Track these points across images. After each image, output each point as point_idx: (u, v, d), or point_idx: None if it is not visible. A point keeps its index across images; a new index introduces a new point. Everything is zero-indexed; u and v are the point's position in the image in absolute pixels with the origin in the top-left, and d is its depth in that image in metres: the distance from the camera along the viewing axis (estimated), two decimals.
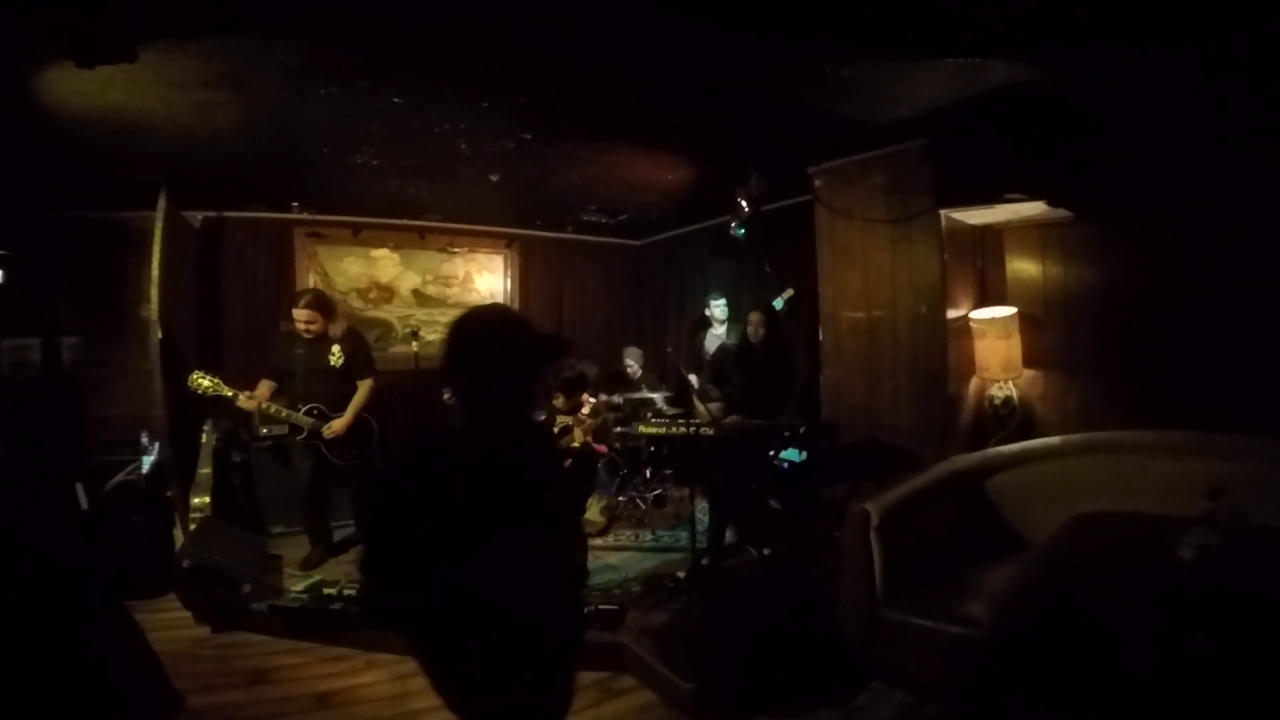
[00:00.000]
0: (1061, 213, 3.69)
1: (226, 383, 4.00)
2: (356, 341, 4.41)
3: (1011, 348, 3.91)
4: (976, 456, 3.46)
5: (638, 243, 7.39)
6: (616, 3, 2.44)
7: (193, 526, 4.22)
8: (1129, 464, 2.93)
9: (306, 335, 4.13)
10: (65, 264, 4.23)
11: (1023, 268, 4.06)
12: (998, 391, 4.03)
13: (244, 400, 4.02)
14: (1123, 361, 3.55)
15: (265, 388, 4.13)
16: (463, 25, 2.60)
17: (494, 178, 4.79)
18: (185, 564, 3.64)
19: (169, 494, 4.17)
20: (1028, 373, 3.96)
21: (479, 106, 3.45)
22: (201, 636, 3.47)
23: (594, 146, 4.21)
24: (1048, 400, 3.91)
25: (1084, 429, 3.38)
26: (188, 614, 3.62)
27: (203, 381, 3.95)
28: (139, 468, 4.08)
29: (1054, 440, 3.36)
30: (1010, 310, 3.94)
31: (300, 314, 4.08)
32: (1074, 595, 2.04)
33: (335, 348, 4.24)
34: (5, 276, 3.93)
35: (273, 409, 4.10)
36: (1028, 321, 3.95)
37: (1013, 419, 3.95)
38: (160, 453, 4.18)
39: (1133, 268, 3.51)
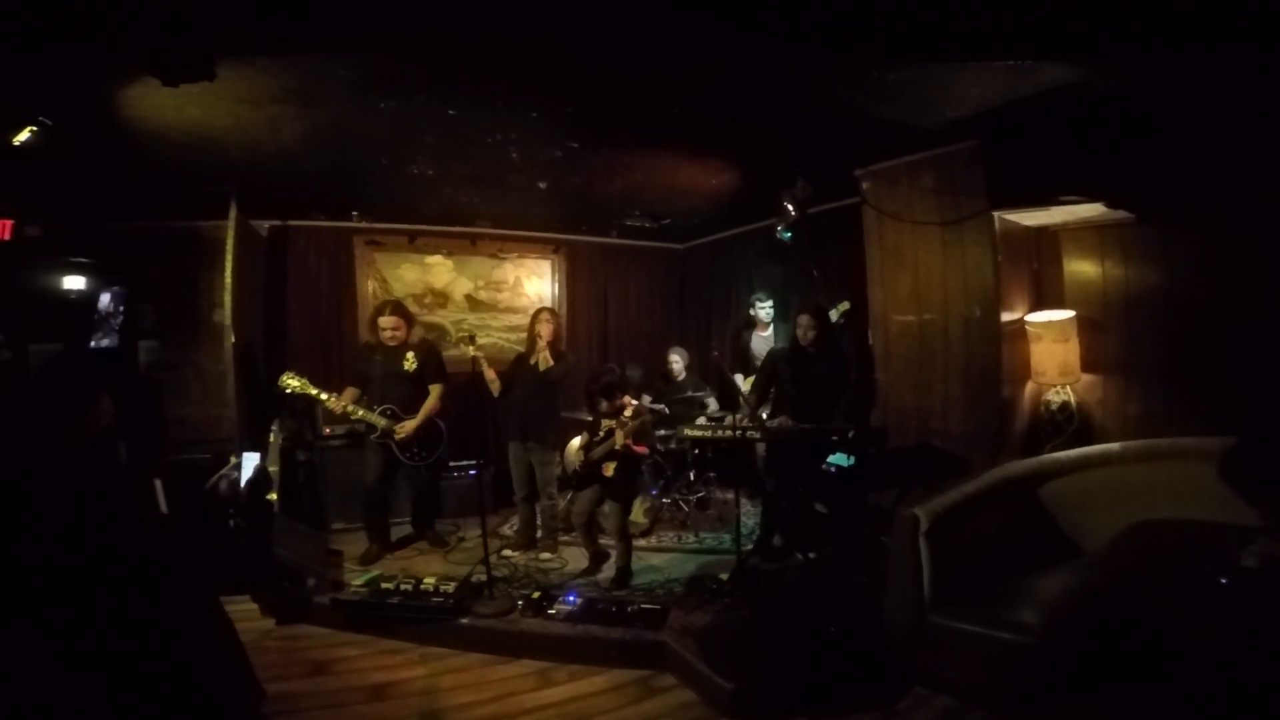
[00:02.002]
0: (1121, 214, 3.58)
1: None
2: (429, 349, 4.72)
3: (1069, 351, 3.80)
4: (1032, 462, 3.38)
5: (681, 246, 7.43)
6: (663, 15, 2.49)
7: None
8: (1192, 471, 2.82)
9: (391, 342, 4.48)
10: (144, 271, 4.48)
11: (1081, 270, 3.95)
12: (1054, 396, 3.92)
13: (329, 402, 4.37)
14: (1187, 366, 3.43)
15: (350, 393, 4.48)
16: (514, 39, 2.69)
17: (542, 185, 4.90)
18: None
19: (269, 497, 4.43)
20: (1086, 377, 3.85)
21: (529, 116, 3.54)
22: (267, 628, 3.63)
23: (639, 153, 4.28)
24: (1107, 406, 3.79)
25: (1145, 435, 3.27)
26: (254, 606, 3.78)
27: (292, 381, 4.31)
28: (238, 467, 4.33)
29: (1114, 446, 3.26)
30: (1068, 313, 3.84)
31: (386, 320, 4.46)
32: (1131, 603, 1.99)
33: (410, 354, 4.54)
34: (89, 283, 4.18)
35: (350, 407, 4.40)
36: (1086, 325, 3.84)
37: (1070, 424, 3.84)
38: (261, 459, 4.46)
39: (1198, 269, 3.38)
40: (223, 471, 4.27)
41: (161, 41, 2.44)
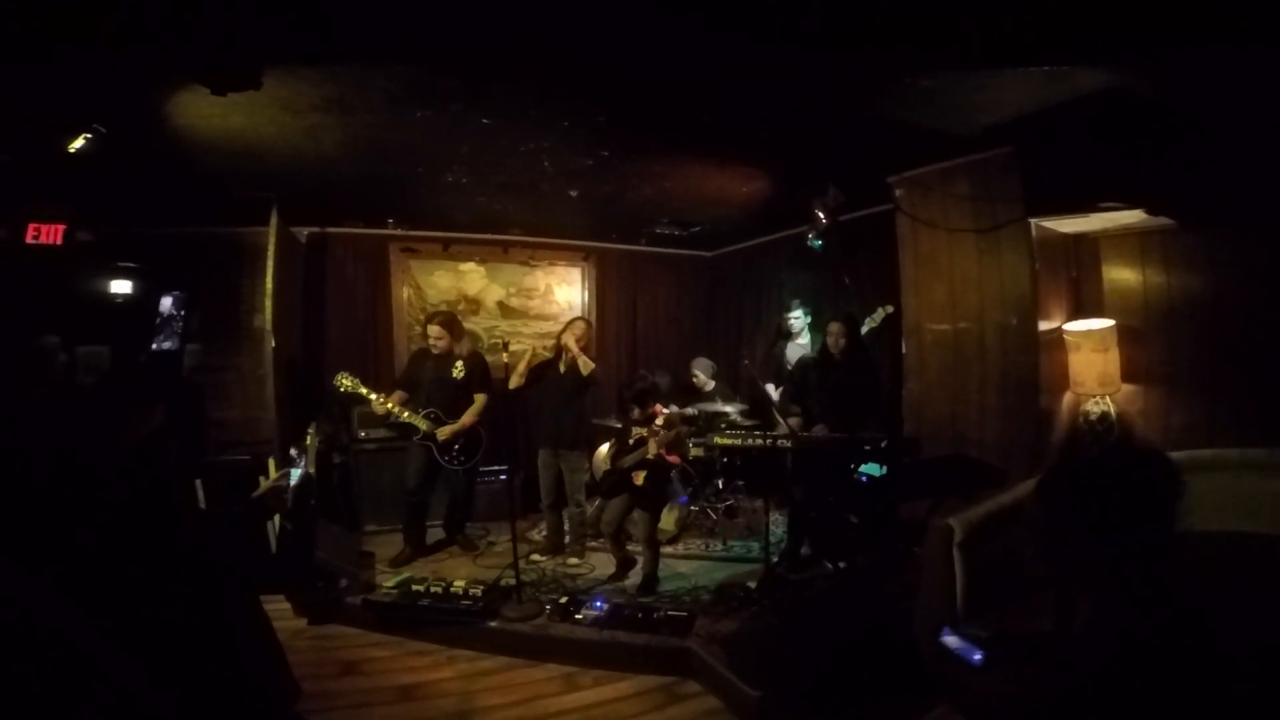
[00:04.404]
0: (1163, 220, 3.49)
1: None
2: (478, 360, 4.88)
3: (1109, 361, 3.71)
4: None
5: (710, 254, 7.42)
6: (692, 26, 2.51)
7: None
8: (1238, 483, 2.73)
9: (435, 350, 4.64)
10: (188, 275, 4.60)
11: (1121, 277, 3.85)
12: (1094, 407, 3.82)
13: (376, 403, 4.56)
14: (1232, 376, 3.32)
15: (398, 396, 4.66)
16: (547, 51, 2.74)
17: (573, 193, 4.96)
18: None
19: (312, 502, 4.54)
20: (1127, 387, 3.75)
21: (561, 126, 3.59)
22: (299, 628, 3.72)
23: (669, 161, 4.30)
24: (1148, 416, 3.68)
25: (1188, 447, 3.16)
26: (287, 606, 3.87)
27: (345, 381, 4.55)
28: (288, 476, 4.45)
29: None
30: (1107, 322, 3.75)
31: (432, 329, 4.65)
32: (1172, 617, 1.92)
33: (459, 363, 4.72)
34: (135, 288, 4.32)
35: (396, 409, 4.58)
36: (1127, 334, 3.74)
37: (1110, 436, 3.74)
38: (306, 465, 4.59)
39: (1242, 277, 3.27)
40: (276, 477, 4.38)
41: (213, 53, 2.53)
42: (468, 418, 4.65)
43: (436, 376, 4.68)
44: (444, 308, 6.38)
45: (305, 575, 3.90)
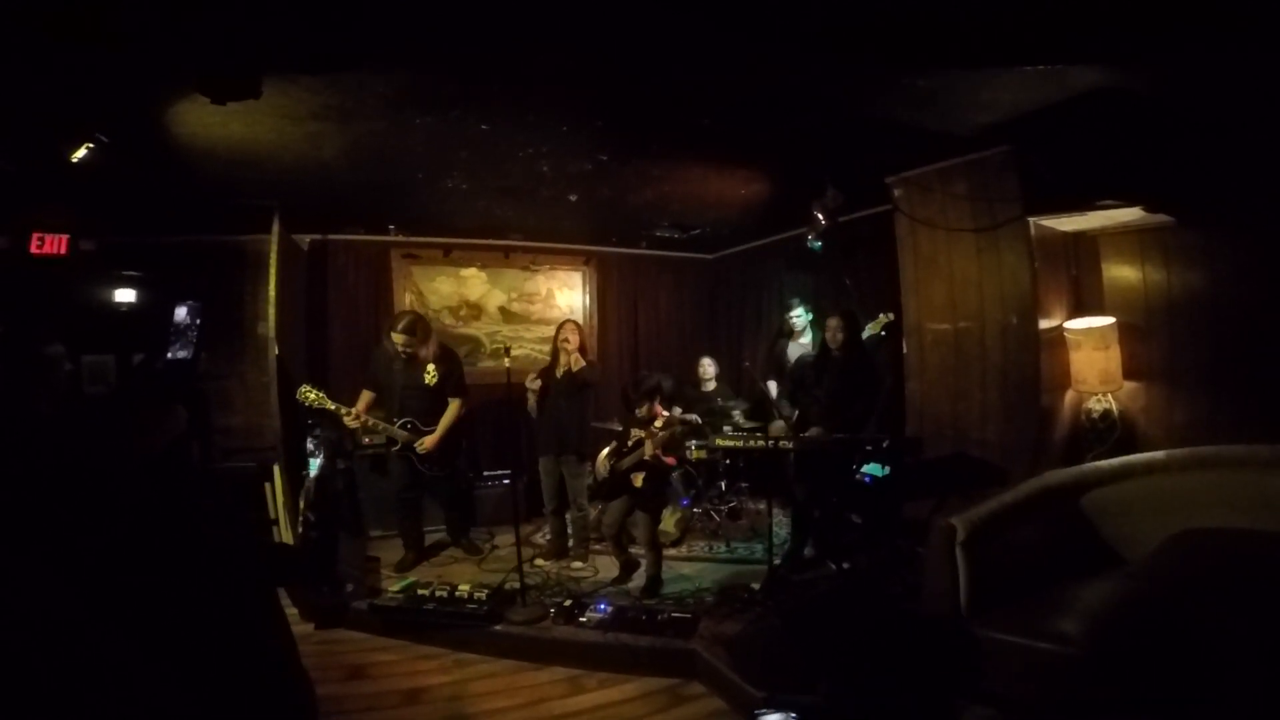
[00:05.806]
0: (1161, 217, 3.50)
1: (331, 396, 4.36)
2: (450, 363, 4.69)
3: (1110, 359, 3.72)
4: (1072, 471, 3.30)
5: (711, 256, 7.43)
6: (691, 27, 2.52)
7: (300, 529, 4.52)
8: (1240, 480, 2.73)
9: (405, 355, 4.45)
10: (191, 284, 4.62)
11: (1121, 275, 3.86)
12: (1095, 405, 3.83)
13: (347, 418, 4.36)
14: (1233, 372, 3.33)
15: (365, 399, 4.48)
16: (545, 55, 2.75)
17: (573, 197, 4.97)
18: None
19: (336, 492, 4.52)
20: (1128, 385, 3.75)
21: (560, 130, 3.60)
22: (306, 632, 3.71)
23: (668, 164, 4.31)
24: (1150, 413, 3.69)
25: (1190, 443, 3.17)
26: (294, 610, 3.86)
27: (309, 395, 4.30)
28: (309, 472, 4.44)
29: (1158, 454, 3.17)
30: (1108, 320, 3.76)
31: (398, 338, 4.41)
32: (1177, 613, 1.93)
33: (430, 367, 4.55)
34: (139, 296, 4.34)
35: (370, 423, 4.42)
36: (1127, 331, 3.75)
37: (1112, 433, 3.75)
38: (325, 458, 4.56)
39: (1242, 273, 3.27)
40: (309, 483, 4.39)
41: (212, 62, 2.55)
42: (444, 426, 4.50)
43: (409, 382, 4.50)
44: (444, 313, 6.40)
45: (329, 569, 3.89)
